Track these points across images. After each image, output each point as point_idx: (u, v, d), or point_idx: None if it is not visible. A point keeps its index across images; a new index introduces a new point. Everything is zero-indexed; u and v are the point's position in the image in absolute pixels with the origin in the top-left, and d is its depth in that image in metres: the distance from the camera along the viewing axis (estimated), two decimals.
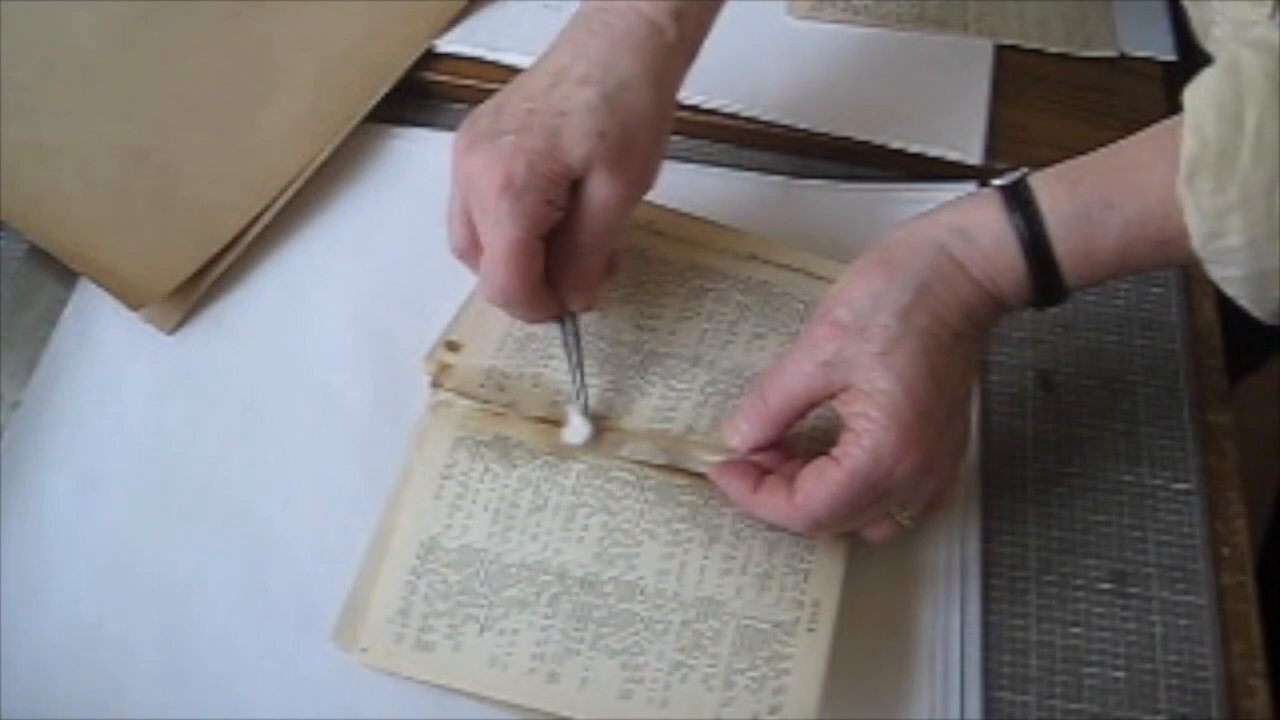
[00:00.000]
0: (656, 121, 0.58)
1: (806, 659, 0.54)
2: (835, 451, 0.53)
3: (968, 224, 0.54)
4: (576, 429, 0.59)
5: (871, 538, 0.56)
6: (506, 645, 0.54)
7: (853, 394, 0.53)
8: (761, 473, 0.55)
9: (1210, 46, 0.65)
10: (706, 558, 0.56)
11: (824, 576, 0.56)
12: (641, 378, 0.61)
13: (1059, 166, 0.54)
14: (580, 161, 0.55)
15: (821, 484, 0.52)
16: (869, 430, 0.52)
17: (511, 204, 0.54)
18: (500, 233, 0.54)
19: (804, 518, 0.53)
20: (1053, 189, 0.53)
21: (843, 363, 0.53)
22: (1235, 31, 0.60)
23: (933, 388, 0.52)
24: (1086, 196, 0.52)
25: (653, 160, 0.59)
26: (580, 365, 0.59)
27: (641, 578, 0.56)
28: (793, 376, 0.54)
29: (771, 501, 0.54)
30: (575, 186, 0.56)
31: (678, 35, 0.58)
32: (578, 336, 0.59)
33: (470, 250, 0.57)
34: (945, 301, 0.53)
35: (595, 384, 0.60)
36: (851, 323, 0.53)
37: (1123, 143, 0.54)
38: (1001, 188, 0.54)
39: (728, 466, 0.56)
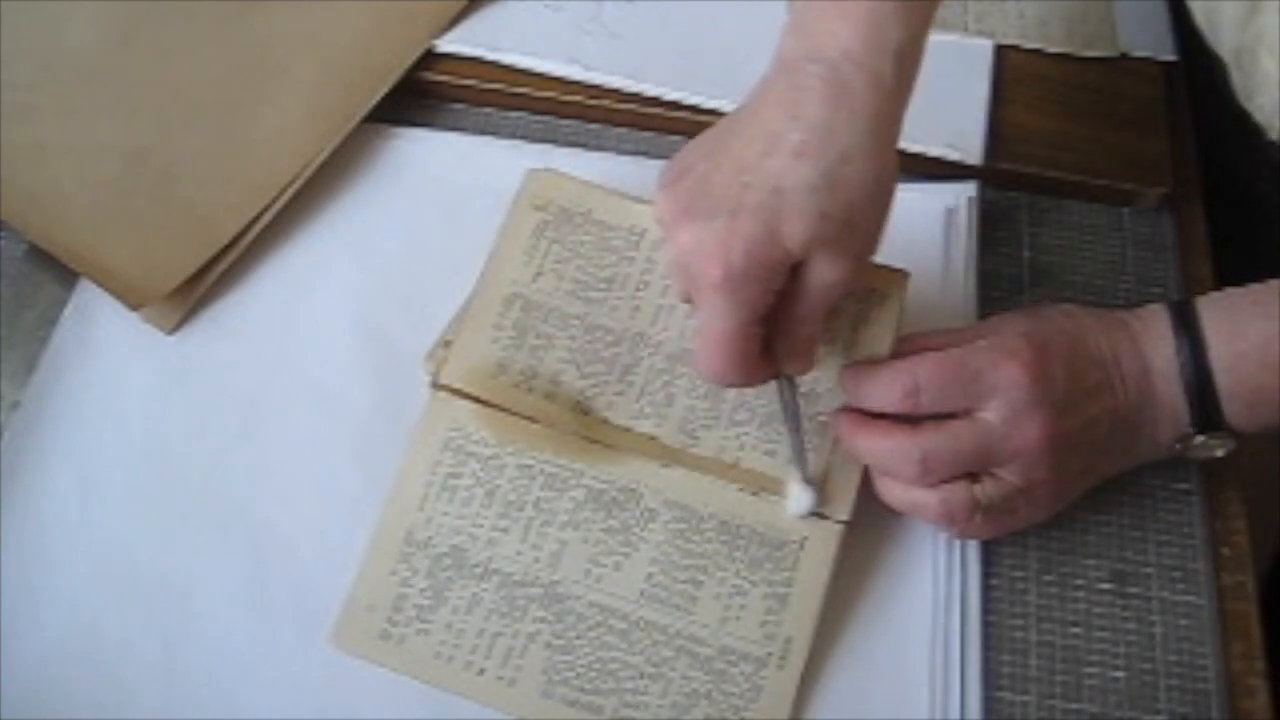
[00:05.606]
0: (881, 194, 0.53)
1: (774, 694, 0.55)
2: None
3: (1136, 311, 0.58)
4: (798, 498, 0.57)
5: (929, 513, 0.56)
6: (485, 650, 0.55)
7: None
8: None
9: (1253, 109, 0.65)
10: (684, 582, 0.56)
11: (799, 611, 0.56)
12: (641, 376, 0.61)
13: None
14: (801, 247, 0.51)
15: (940, 353, 0.55)
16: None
17: (729, 296, 0.50)
18: (717, 322, 0.51)
19: (907, 366, 0.55)
20: (1209, 294, 0.57)
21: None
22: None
23: (1061, 365, 0.55)
24: (1236, 296, 0.57)
25: (877, 231, 0.54)
26: (799, 429, 0.56)
27: (620, 597, 0.56)
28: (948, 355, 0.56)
29: (881, 367, 0.56)
30: (796, 266, 0.52)
31: (896, 81, 0.53)
32: (795, 398, 0.56)
33: None
34: (1097, 331, 0.57)
35: (599, 384, 0.60)
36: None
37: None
38: (1167, 303, 0.58)
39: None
